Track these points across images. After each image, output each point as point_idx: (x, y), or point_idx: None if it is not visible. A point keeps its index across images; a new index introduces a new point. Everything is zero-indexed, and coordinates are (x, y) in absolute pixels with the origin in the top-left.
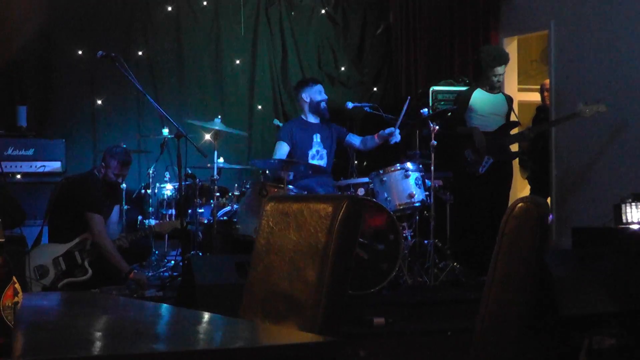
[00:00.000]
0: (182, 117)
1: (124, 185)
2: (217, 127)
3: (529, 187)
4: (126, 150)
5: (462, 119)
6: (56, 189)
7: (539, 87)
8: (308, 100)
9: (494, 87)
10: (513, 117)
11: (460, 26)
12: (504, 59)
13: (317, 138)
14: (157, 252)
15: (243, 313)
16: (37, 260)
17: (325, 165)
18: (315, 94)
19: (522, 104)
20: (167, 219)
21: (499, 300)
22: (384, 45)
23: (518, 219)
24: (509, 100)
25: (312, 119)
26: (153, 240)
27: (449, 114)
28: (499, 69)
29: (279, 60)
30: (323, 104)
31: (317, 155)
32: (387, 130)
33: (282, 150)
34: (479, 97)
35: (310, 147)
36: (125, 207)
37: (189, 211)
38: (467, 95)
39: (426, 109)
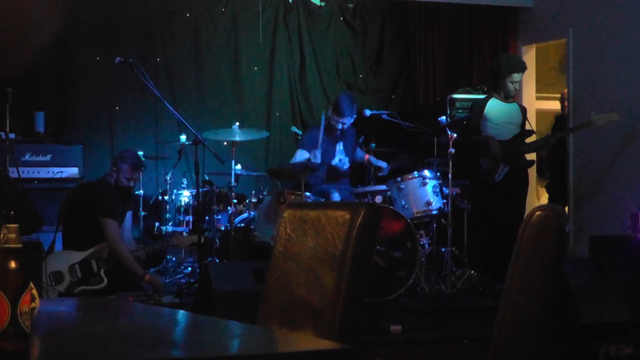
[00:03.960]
0: (201, 124)
1: (140, 191)
2: (235, 137)
3: (547, 195)
4: (136, 153)
5: (478, 128)
6: (68, 195)
7: (556, 95)
8: (332, 121)
9: (509, 96)
10: (527, 127)
11: (479, 34)
12: (522, 67)
13: (340, 146)
14: (174, 258)
15: (260, 320)
16: (53, 267)
17: (345, 171)
18: (336, 122)
19: (540, 113)
20: (185, 226)
21: (516, 308)
22: (402, 53)
23: (536, 227)
24: (523, 110)
25: (337, 132)
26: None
27: (464, 122)
28: (517, 76)
29: (297, 67)
30: (338, 133)
31: (340, 164)
32: (379, 163)
33: (301, 157)
34: (494, 106)
35: (334, 156)
36: (143, 213)
37: (206, 218)
38: (482, 104)
39: (444, 117)
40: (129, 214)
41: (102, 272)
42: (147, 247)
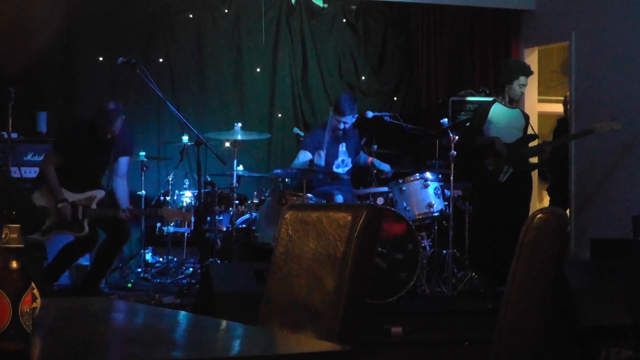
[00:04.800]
0: (203, 125)
1: (142, 191)
2: (237, 137)
3: (548, 198)
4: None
5: (480, 131)
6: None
7: (559, 98)
8: (333, 122)
9: (515, 100)
10: (530, 131)
11: (481, 36)
12: (529, 70)
13: (343, 147)
14: (175, 259)
15: (261, 321)
16: (42, 201)
17: (347, 173)
18: (338, 122)
19: (542, 115)
20: (186, 227)
21: (517, 310)
22: (405, 55)
23: (537, 229)
24: (526, 116)
25: (339, 132)
26: (170, 247)
27: (468, 124)
28: (525, 79)
29: (299, 68)
30: (340, 133)
31: (342, 164)
32: (383, 166)
33: (304, 158)
34: (498, 111)
35: (337, 157)
36: None
37: (208, 218)
38: (486, 107)
39: (446, 119)
40: (123, 160)
41: (85, 221)
42: (135, 210)
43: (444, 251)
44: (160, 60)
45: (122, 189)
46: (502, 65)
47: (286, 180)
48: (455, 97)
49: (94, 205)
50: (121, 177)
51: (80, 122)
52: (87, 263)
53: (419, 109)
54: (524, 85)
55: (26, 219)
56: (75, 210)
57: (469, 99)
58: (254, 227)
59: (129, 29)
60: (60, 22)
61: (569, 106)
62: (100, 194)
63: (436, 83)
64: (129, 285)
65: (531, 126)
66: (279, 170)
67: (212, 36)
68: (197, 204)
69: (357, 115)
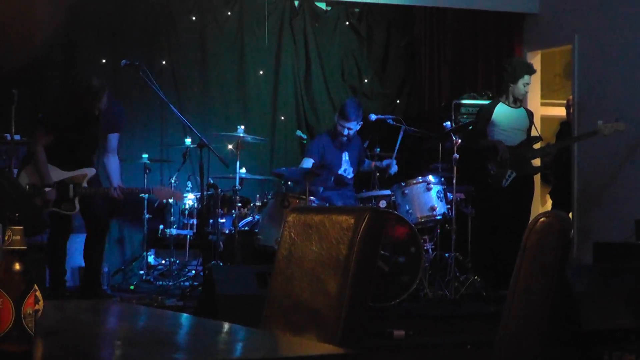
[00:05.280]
0: (206, 127)
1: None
2: (240, 134)
3: (551, 201)
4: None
5: (484, 133)
6: None
7: (562, 101)
8: (338, 127)
9: (519, 99)
10: (534, 132)
11: (484, 40)
12: (532, 69)
13: (345, 157)
14: (177, 261)
15: (264, 324)
16: (32, 179)
17: (349, 180)
18: (342, 127)
19: (545, 118)
20: (189, 229)
21: (519, 314)
22: (408, 58)
23: (540, 233)
24: (530, 115)
25: (343, 137)
26: (173, 249)
27: (470, 127)
28: (528, 78)
29: (302, 71)
30: (344, 139)
31: (345, 173)
32: (385, 162)
33: (308, 166)
34: (501, 112)
35: (340, 166)
36: (147, 216)
37: (211, 221)
38: (489, 109)
39: (449, 122)
40: (113, 137)
41: (76, 199)
42: (125, 188)
43: (447, 254)
44: (164, 62)
45: (112, 165)
46: (507, 65)
47: (289, 183)
48: (458, 100)
49: (84, 184)
50: (111, 152)
51: (65, 98)
52: None
53: (421, 112)
54: (528, 84)
55: (29, 221)
56: (66, 189)
57: (472, 102)
58: (256, 230)
59: (132, 31)
60: (63, 24)
61: (571, 109)
62: (90, 171)
63: (439, 86)
64: (132, 287)
65: (535, 126)
66: (283, 169)
67: (215, 39)
68: (200, 206)
69: (361, 122)
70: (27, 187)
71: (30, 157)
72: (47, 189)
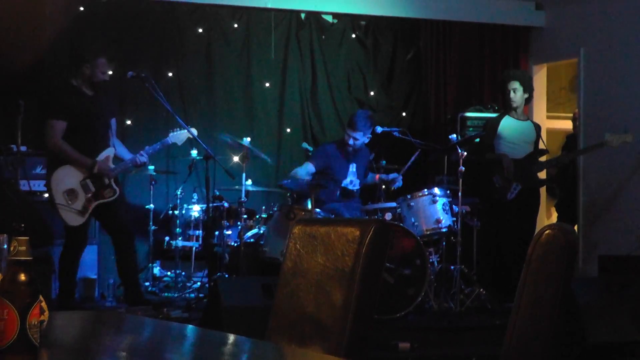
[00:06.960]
0: (213, 136)
1: (151, 205)
2: (247, 144)
3: (556, 214)
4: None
5: (491, 146)
6: None
7: (567, 115)
8: (345, 136)
9: (512, 107)
10: (541, 145)
11: (490, 53)
12: (517, 76)
13: (353, 168)
14: (183, 273)
15: (269, 336)
16: (65, 185)
17: (356, 192)
18: (348, 137)
19: (551, 132)
20: (194, 241)
21: (525, 326)
22: (414, 71)
23: (545, 246)
24: (537, 128)
25: (348, 147)
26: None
27: (477, 140)
28: (513, 83)
29: (308, 83)
30: (349, 149)
31: (351, 185)
32: (391, 176)
33: (306, 169)
34: (508, 124)
35: (346, 177)
36: (153, 227)
37: (216, 233)
38: (496, 121)
39: (455, 135)
40: (112, 121)
41: (112, 182)
42: (148, 150)
43: (452, 267)
44: (170, 74)
45: (119, 147)
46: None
47: (294, 195)
48: (464, 113)
49: (111, 165)
50: (114, 136)
51: (63, 84)
52: (95, 277)
53: (427, 124)
54: (517, 89)
55: (35, 232)
56: (101, 177)
57: (478, 115)
58: (262, 242)
59: (139, 43)
60: (70, 35)
61: (577, 123)
62: (110, 151)
63: (445, 99)
64: None
65: (542, 139)
66: (289, 181)
67: (221, 51)
68: (206, 218)
69: (370, 135)
70: (66, 194)
71: (54, 157)
72: (95, 167)
